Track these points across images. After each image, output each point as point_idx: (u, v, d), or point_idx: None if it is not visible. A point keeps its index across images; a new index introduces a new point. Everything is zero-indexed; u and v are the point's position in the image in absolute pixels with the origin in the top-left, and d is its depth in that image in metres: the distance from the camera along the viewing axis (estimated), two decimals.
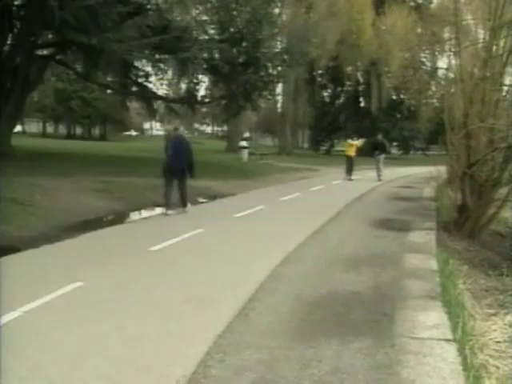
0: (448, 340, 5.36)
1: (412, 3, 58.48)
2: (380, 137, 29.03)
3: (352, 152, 26.87)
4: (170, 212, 13.61)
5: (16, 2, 24.25)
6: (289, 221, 13.28)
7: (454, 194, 14.04)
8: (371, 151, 28.63)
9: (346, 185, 24.61)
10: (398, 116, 61.18)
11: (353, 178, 26.34)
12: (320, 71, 58.22)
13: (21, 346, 4.96)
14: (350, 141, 27.84)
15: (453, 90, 16.37)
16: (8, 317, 5.62)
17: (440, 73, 61.67)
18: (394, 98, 60.91)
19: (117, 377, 4.42)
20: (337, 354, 4.94)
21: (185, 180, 14.13)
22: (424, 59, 62.74)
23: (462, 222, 12.59)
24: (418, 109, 58.06)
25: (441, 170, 19.29)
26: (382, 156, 27.22)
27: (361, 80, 61.65)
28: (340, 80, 61.31)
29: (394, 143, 67.99)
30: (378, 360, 4.84)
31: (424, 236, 11.39)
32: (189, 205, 14.55)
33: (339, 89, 64.65)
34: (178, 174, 13.95)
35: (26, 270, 7.70)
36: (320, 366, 4.69)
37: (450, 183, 16.54)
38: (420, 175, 31.51)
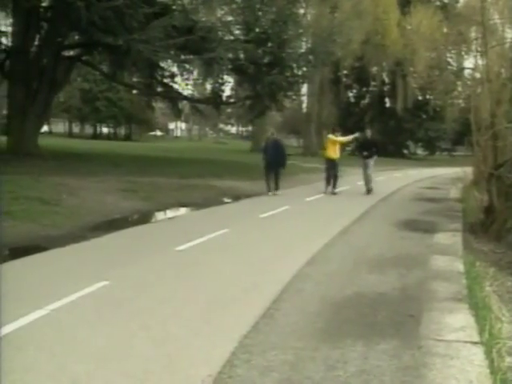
0: (475, 343, 5.31)
1: (438, 3, 58.07)
2: (369, 132, 21.86)
3: (334, 153, 19.56)
4: (270, 193, 18.60)
5: (43, 4, 24.46)
6: (314, 221, 13.26)
7: (480, 195, 13.93)
8: (358, 151, 22.89)
9: (332, 200, 17.89)
10: (424, 116, 60.89)
11: (337, 190, 19.57)
12: (345, 71, 58.04)
13: (48, 344, 4.99)
14: (331, 136, 19.94)
15: (479, 91, 16.25)
16: (35, 315, 5.67)
17: (466, 73, 61.15)
18: (420, 98, 60.62)
19: (142, 376, 4.43)
20: (363, 356, 4.91)
21: (279, 172, 18.97)
22: (450, 59, 62.33)
23: (489, 224, 12.46)
24: (443, 109, 57.62)
25: (467, 171, 19.17)
26: (372, 159, 20.10)
27: (386, 80, 61.39)
28: (365, 80, 61.10)
29: (420, 144, 67.76)
30: (405, 362, 4.80)
31: (450, 238, 11.30)
32: (279, 191, 18.86)
33: (364, 89, 64.47)
34: (275, 167, 18.74)
35: (53, 269, 7.76)
36: (346, 367, 4.66)
37: (476, 184, 16.43)
38: (446, 176, 31.38)
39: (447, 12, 55.06)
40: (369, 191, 19.76)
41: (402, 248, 10.01)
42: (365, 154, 20.17)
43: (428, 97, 61.70)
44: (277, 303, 6.39)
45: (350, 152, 26.58)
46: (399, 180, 27.79)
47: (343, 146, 22.16)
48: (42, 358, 4.68)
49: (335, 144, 19.56)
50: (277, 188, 18.78)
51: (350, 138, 21.26)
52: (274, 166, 18.69)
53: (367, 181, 20.02)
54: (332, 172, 19.42)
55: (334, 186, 19.43)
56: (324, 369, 4.62)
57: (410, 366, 4.73)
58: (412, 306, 6.46)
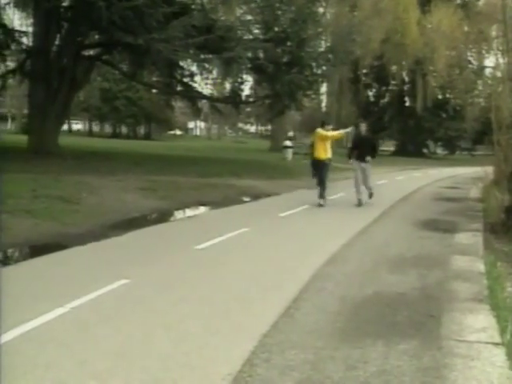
0: (496, 344, 5.27)
1: (458, 1, 57.87)
2: (363, 127, 16.55)
3: (324, 152, 15.64)
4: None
5: (64, 4, 24.60)
6: (333, 221, 13.23)
7: (501, 194, 13.79)
8: (348, 152, 17.09)
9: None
10: (444, 116, 60.55)
11: (325, 200, 15.62)
12: (364, 70, 57.77)
13: (68, 341, 5.02)
14: (319, 130, 15.77)
15: (500, 89, 16.14)
16: (56, 312, 5.71)
17: (487, 71, 61.16)
18: (440, 97, 60.32)
19: (162, 374, 4.44)
20: (383, 356, 4.89)
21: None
22: (470, 58, 62.21)
23: (510, 224, 12.36)
24: (463, 108, 57.49)
25: (487, 171, 19.01)
26: (370, 162, 16.07)
27: (406, 79, 61.05)
28: (385, 79, 60.82)
29: (439, 143, 67.42)
30: (425, 362, 4.78)
31: (470, 237, 11.23)
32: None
33: (384, 88, 64.17)
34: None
35: (74, 267, 7.82)
36: (366, 367, 4.64)
37: (497, 184, 16.27)
38: (466, 176, 31.16)
39: (468, 10, 54.90)
40: (360, 203, 15.86)
41: (421, 248, 9.96)
42: (360, 155, 15.98)
43: (448, 96, 61.48)
44: (297, 302, 6.38)
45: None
46: (419, 179, 27.66)
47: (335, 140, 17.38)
48: (63, 355, 4.72)
49: (325, 140, 15.65)
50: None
51: (342, 132, 16.78)
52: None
53: (362, 188, 16.12)
54: (320, 175, 15.63)
55: (322, 195, 15.48)
56: (344, 368, 4.61)
57: (431, 366, 4.71)
58: (432, 306, 6.43)
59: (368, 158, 15.77)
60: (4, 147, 25.02)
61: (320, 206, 15.19)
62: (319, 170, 15.67)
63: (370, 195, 16.24)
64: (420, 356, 4.91)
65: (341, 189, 18.75)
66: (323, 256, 8.87)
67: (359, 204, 15.74)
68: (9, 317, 5.49)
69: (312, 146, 16.43)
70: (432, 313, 6.14)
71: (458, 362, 4.81)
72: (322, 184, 15.53)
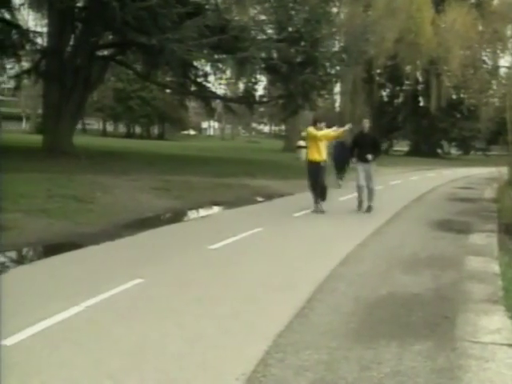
0: (511, 345, 5.24)
1: (473, 0, 57.45)
2: (366, 124, 15.18)
3: (318, 153, 14.07)
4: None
5: (78, 4, 24.73)
6: (347, 221, 13.21)
7: None
8: (349, 152, 15.85)
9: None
10: (458, 116, 60.33)
11: (321, 205, 14.18)
12: (378, 70, 57.60)
13: (83, 340, 5.04)
14: (311, 129, 14.29)
15: None
16: (71, 311, 5.73)
17: (502, 71, 60.91)
18: (454, 97, 60.06)
19: (176, 373, 4.45)
20: (397, 357, 4.88)
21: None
22: (485, 57, 61.93)
23: None
24: (478, 108, 57.23)
25: (502, 171, 18.94)
26: (373, 163, 14.85)
27: (420, 79, 60.84)
28: (398, 79, 60.64)
29: (454, 143, 67.16)
30: (439, 364, 4.76)
31: (485, 238, 11.17)
32: None
33: (398, 88, 64.00)
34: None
35: (88, 266, 7.85)
36: (380, 368, 4.63)
37: (511, 184, 16.22)
38: (480, 176, 31.04)
39: (482, 9, 54.66)
40: (361, 207, 14.74)
41: (435, 248, 9.93)
42: (362, 154, 14.61)
43: (462, 96, 61.21)
44: (311, 303, 6.38)
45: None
46: (433, 180, 27.56)
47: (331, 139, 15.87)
48: (78, 354, 4.74)
49: (318, 141, 14.04)
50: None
51: (340, 130, 14.72)
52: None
53: (365, 192, 14.76)
54: (316, 179, 14.10)
55: (322, 199, 14.20)
56: (358, 369, 4.60)
57: (445, 367, 4.69)
58: (447, 307, 6.41)
59: (370, 157, 14.44)
60: (19, 147, 25.21)
61: (321, 212, 13.93)
62: (315, 173, 14.06)
63: (369, 208, 14.59)
64: (434, 357, 4.89)
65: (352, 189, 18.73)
66: (337, 256, 8.86)
67: (362, 208, 14.60)
68: (24, 315, 5.54)
69: (307, 145, 15.02)
70: (446, 314, 6.12)
71: (472, 364, 4.79)
72: (320, 189, 14.05)
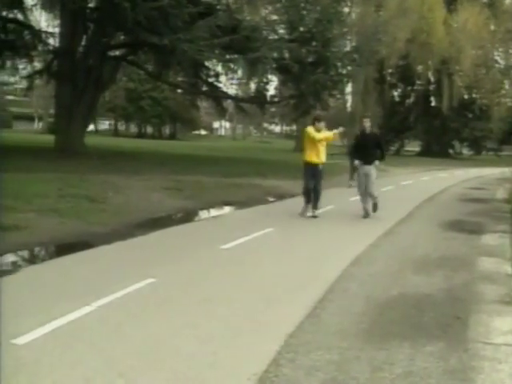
0: None
1: (485, 0, 57.17)
2: (368, 125, 13.98)
3: (317, 155, 13.21)
4: None
5: (90, 5, 24.82)
6: (359, 221, 13.18)
7: None
8: (351, 152, 15.81)
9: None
10: (470, 116, 60.07)
11: (318, 211, 13.42)
12: (390, 70, 57.41)
13: (95, 339, 5.06)
14: (310, 130, 13.28)
15: None
16: (83, 311, 5.75)
17: None
18: (466, 97, 59.82)
19: (188, 373, 4.46)
20: (409, 357, 4.86)
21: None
22: (497, 57, 61.61)
23: None
24: (490, 108, 56.97)
25: None
26: (374, 165, 13.54)
27: (431, 79, 60.59)
28: (410, 79, 60.47)
29: (465, 143, 66.88)
30: (452, 365, 4.74)
31: (497, 239, 11.11)
32: None
33: (409, 88, 63.82)
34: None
35: (100, 266, 7.87)
36: (392, 368, 4.62)
37: None
38: (492, 176, 30.92)
39: (494, 9, 54.42)
40: (367, 213, 13.54)
41: (447, 249, 9.89)
42: (363, 156, 13.54)
43: (474, 95, 60.95)
44: (322, 303, 6.38)
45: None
46: (444, 180, 27.45)
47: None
48: (90, 353, 4.75)
49: (317, 142, 13.13)
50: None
51: (335, 132, 13.64)
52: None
53: (368, 197, 13.66)
54: (313, 183, 13.25)
55: (315, 206, 13.33)
56: (370, 370, 4.60)
57: (458, 369, 4.68)
58: (459, 307, 6.39)
59: (376, 162, 13.48)
60: (31, 147, 25.34)
61: (314, 217, 13.11)
62: (311, 176, 13.21)
63: (375, 206, 13.63)
64: (446, 358, 4.88)
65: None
66: (349, 256, 8.85)
67: (365, 215, 13.48)
68: (35, 315, 5.56)
69: (305, 146, 13.58)
70: (458, 314, 6.10)
71: (485, 365, 4.77)
72: (315, 193, 13.24)
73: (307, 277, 7.64)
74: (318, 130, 13.14)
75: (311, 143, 13.19)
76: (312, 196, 13.28)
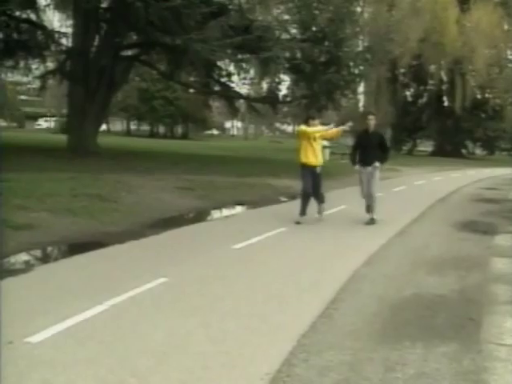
0: None
1: None
2: (372, 122, 12.47)
3: (313, 155, 12.25)
4: None
5: (103, 5, 24.89)
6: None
7: None
8: (352, 154, 12.81)
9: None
10: (483, 116, 59.73)
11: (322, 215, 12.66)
12: (402, 70, 57.23)
13: (108, 338, 5.08)
14: (303, 127, 12.44)
15: None
16: (96, 310, 5.78)
17: None
18: (479, 96, 59.59)
19: (201, 372, 4.47)
20: (422, 358, 4.85)
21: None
22: (510, 56, 61.25)
23: None
24: (503, 108, 56.73)
25: None
26: (378, 168, 12.38)
27: (444, 79, 60.31)
28: (423, 79, 60.26)
29: (478, 143, 66.58)
30: (465, 366, 4.73)
31: (510, 239, 11.04)
32: None
33: (422, 88, 63.58)
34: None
35: (113, 265, 7.90)
36: (405, 369, 4.61)
37: None
38: (506, 176, 30.76)
39: (508, 8, 54.12)
40: (372, 220, 12.39)
41: (460, 249, 9.85)
42: (366, 156, 12.35)
43: (487, 95, 60.68)
44: (335, 303, 6.37)
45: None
46: (457, 180, 27.35)
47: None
48: (103, 352, 4.78)
49: (312, 140, 12.17)
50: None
51: (334, 129, 12.79)
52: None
53: (371, 202, 12.50)
54: (313, 186, 12.26)
55: (319, 210, 12.56)
56: (383, 370, 4.59)
57: (470, 370, 4.66)
58: (472, 308, 6.36)
59: (377, 164, 12.29)
60: (43, 147, 25.45)
61: (319, 219, 12.39)
62: (308, 180, 12.22)
63: (368, 208, 12.53)
64: (459, 359, 4.86)
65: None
66: (361, 256, 8.84)
67: (371, 221, 12.38)
68: (49, 313, 5.59)
69: (299, 146, 12.60)
70: (471, 315, 6.07)
71: (498, 366, 4.75)
72: (317, 196, 12.39)
73: (320, 276, 7.63)
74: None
75: (306, 142, 12.15)
76: (307, 202, 12.29)
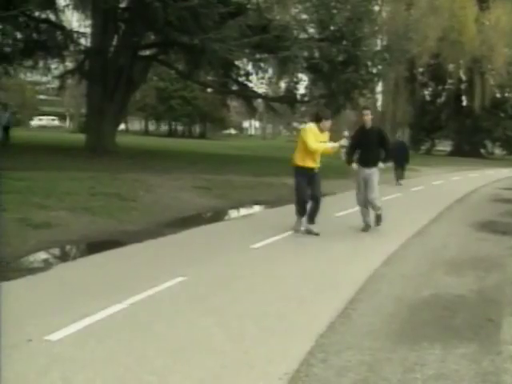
0: None
1: None
2: (368, 118, 11.52)
3: (311, 160, 10.67)
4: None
5: (121, 5, 25.00)
6: (390, 221, 13.09)
7: None
8: (348, 153, 11.39)
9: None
10: (502, 115, 59.25)
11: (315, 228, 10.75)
12: (421, 69, 57.00)
13: (127, 337, 5.09)
14: (312, 128, 10.56)
15: None
16: (114, 308, 5.79)
17: None
18: (498, 96, 59.12)
19: (219, 371, 4.47)
20: (440, 359, 4.83)
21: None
22: None
23: None
24: None
25: None
26: (377, 170, 11.32)
27: (463, 78, 59.93)
28: (441, 78, 59.91)
29: (497, 143, 66.09)
30: (484, 367, 4.69)
31: None
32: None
33: (440, 87, 63.23)
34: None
35: (131, 264, 7.93)
36: (423, 370, 4.59)
37: None
38: None
39: None
40: (367, 226, 11.40)
41: (479, 250, 9.80)
42: (364, 157, 11.37)
43: (507, 94, 60.20)
44: (353, 303, 6.35)
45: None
46: (475, 180, 27.19)
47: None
48: (122, 351, 4.79)
49: (308, 146, 10.50)
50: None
51: (330, 145, 10.77)
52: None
53: (368, 207, 11.47)
54: (310, 192, 10.74)
55: (312, 219, 10.81)
56: (402, 371, 4.57)
57: (490, 371, 4.63)
58: (491, 309, 6.32)
59: (381, 165, 11.39)
60: (62, 146, 25.60)
61: (309, 232, 10.68)
62: (305, 184, 10.69)
63: (378, 219, 11.49)
64: (479, 360, 4.83)
65: (397, 190, 18.55)
66: (380, 256, 8.81)
67: (366, 228, 11.37)
68: (67, 312, 5.62)
69: (297, 148, 10.97)
70: (491, 316, 6.03)
71: None
72: (315, 202, 10.75)
73: (338, 276, 7.62)
74: (322, 132, 10.62)
75: (307, 145, 10.50)
76: (311, 207, 10.79)
